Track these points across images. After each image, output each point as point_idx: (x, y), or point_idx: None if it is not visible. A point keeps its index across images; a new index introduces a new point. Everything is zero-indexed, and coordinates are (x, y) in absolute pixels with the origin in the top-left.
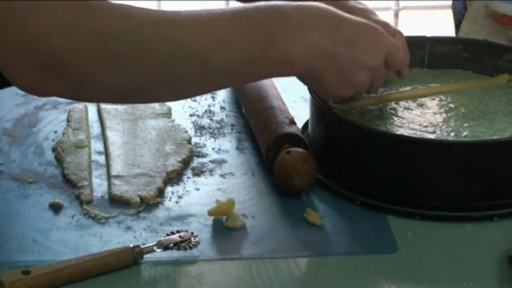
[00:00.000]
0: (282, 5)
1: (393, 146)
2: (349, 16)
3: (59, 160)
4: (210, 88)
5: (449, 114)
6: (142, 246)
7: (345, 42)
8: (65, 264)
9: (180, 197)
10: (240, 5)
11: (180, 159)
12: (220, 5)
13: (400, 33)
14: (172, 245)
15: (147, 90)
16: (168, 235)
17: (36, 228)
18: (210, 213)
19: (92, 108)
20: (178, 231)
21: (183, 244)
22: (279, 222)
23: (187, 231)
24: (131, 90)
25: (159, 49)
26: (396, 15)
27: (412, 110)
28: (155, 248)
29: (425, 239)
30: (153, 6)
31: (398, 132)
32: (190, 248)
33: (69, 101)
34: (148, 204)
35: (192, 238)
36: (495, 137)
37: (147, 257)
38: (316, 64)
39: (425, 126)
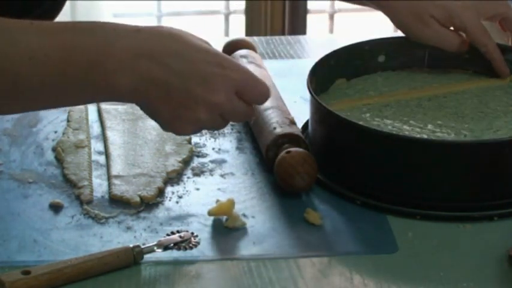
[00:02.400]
0: (114, 26)
1: (393, 146)
2: (194, 44)
3: (59, 160)
4: (29, 106)
5: (449, 114)
6: (142, 246)
7: (181, 74)
8: (65, 264)
9: (180, 197)
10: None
11: (180, 159)
12: (220, 5)
13: (245, 68)
14: (172, 245)
15: None
16: (168, 235)
17: (36, 228)
18: (210, 213)
19: (92, 108)
20: (178, 231)
21: (183, 244)
22: (279, 222)
23: (187, 231)
24: None
25: None
26: None
27: (412, 110)
28: (155, 248)
29: (425, 239)
30: (153, 6)
31: (399, 133)
32: (191, 248)
33: None
34: (148, 204)
35: (192, 238)
36: (495, 137)
37: (147, 257)
38: (147, 95)
39: (426, 126)
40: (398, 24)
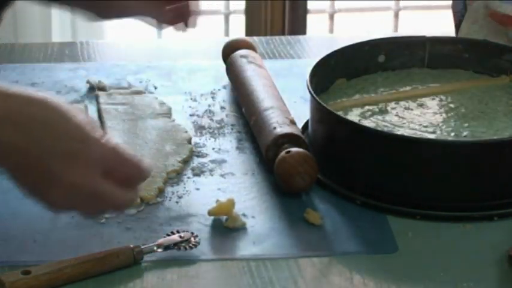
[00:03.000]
0: None
1: (393, 146)
2: (64, 114)
3: None
4: None
5: (449, 114)
6: (142, 246)
7: (42, 145)
8: (65, 264)
9: (180, 197)
10: None
11: (180, 159)
12: (220, 5)
13: (114, 144)
14: (172, 245)
15: None
16: (168, 235)
17: (36, 228)
18: (210, 213)
19: (92, 108)
20: (178, 231)
21: (183, 244)
22: (279, 222)
23: (187, 231)
24: None
25: None
26: (396, 15)
27: (412, 110)
28: (155, 248)
29: (425, 239)
30: None
31: (399, 132)
32: (191, 248)
33: (69, 100)
34: (148, 204)
35: (192, 238)
36: (495, 137)
37: (147, 257)
38: (7, 161)
39: (425, 126)
40: None
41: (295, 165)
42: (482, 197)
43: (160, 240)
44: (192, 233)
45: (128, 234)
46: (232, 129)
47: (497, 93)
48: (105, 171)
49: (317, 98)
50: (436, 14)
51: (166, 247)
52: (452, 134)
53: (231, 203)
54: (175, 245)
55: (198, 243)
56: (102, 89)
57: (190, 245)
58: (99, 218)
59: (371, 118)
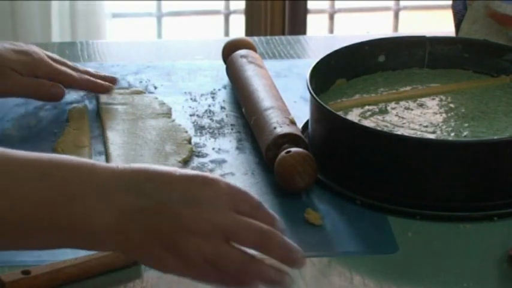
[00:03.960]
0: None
1: (393, 146)
2: (166, 168)
3: None
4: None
5: (449, 114)
6: None
7: (162, 198)
8: (65, 264)
9: None
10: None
11: (180, 159)
12: (220, 5)
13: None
14: None
15: None
16: None
17: None
18: None
19: (92, 108)
20: None
21: None
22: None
23: None
24: None
25: None
26: (396, 15)
27: (412, 110)
28: None
29: (425, 239)
30: (153, 6)
31: (399, 132)
32: None
33: (69, 100)
34: None
35: None
36: (495, 137)
37: None
38: (131, 228)
39: (425, 126)
40: None
41: (295, 165)
42: (482, 197)
43: None
44: None
45: None
46: (232, 129)
47: (497, 93)
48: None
49: (317, 98)
50: (436, 14)
51: None
52: (452, 134)
53: None
54: None
55: None
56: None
57: None
58: None
59: (371, 118)
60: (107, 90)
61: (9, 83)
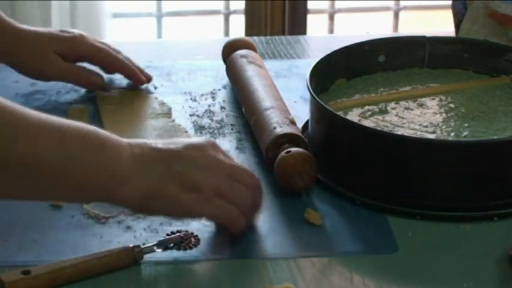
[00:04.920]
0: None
1: (393, 146)
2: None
3: None
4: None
5: (449, 114)
6: (142, 246)
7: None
8: (65, 264)
9: None
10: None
11: None
12: (220, 5)
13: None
14: (172, 245)
15: None
16: (168, 235)
17: (36, 228)
18: None
19: (91, 108)
20: (178, 231)
21: (183, 244)
22: (279, 222)
23: (187, 231)
24: None
25: None
26: (396, 15)
27: (412, 110)
28: (155, 248)
29: (425, 239)
30: (153, 6)
31: (399, 132)
32: (190, 248)
33: (69, 100)
34: None
35: (192, 238)
36: (495, 137)
37: (147, 257)
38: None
39: (425, 126)
40: None
41: (295, 165)
42: (482, 197)
43: (160, 240)
44: (192, 233)
45: (128, 234)
46: (232, 129)
47: (497, 93)
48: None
49: (317, 98)
50: (436, 14)
51: (166, 247)
52: (452, 134)
53: None
54: (175, 244)
55: (198, 243)
56: (102, 89)
57: (190, 245)
58: (99, 218)
59: (371, 118)
60: (142, 83)
61: (50, 69)
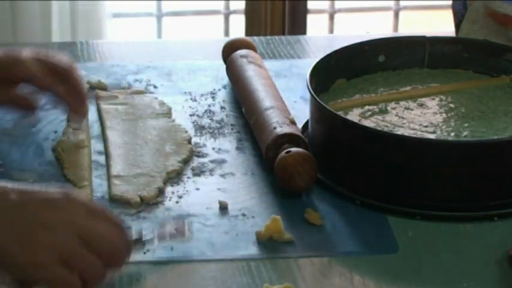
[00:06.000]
0: None
1: (393, 146)
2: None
3: (59, 160)
4: None
5: (449, 114)
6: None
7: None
8: None
9: (180, 197)
10: None
11: (180, 159)
12: (220, 5)
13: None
14: (168, 237)
15: None
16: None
17: None
18: (259, 236)
19: (92, 108)
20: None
21: (177, 234)
22: None
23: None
24: None
25: None
26: (396, 15)
27: (412, 110)
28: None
29: (425, 239)
30: (153, 6)
31: (399, 132)
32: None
33: None
34: (148, 204)
35: (187, 228)
36: (495, 137)
37: (147, 257)
38: None
39: (425, 126)
40: None
41: (295, 165)
42: (482, 197)
43: (156, 232)
44: (184, 222)
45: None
46: (232, 129)
47: (497, 93)
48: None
49: (317, 98)
50: (436, 14)
51: (161, 238)
52: (452, 134)
53: (278, 223)
54: (171, 237)
55: (192, 234)
56: (102, 89)
57: (184, 234)
58: None
59: (371, 118)
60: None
61: None
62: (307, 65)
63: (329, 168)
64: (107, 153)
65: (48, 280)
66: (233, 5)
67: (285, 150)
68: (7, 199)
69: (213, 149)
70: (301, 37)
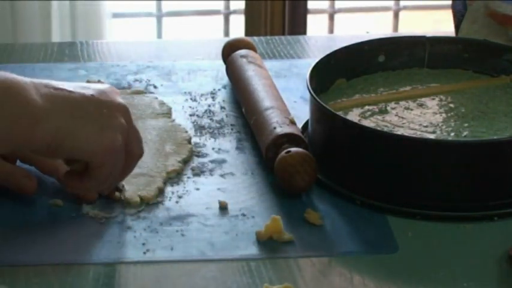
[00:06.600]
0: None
1: (393, 146)
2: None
3: None
4: None
5: (449, 114)
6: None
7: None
8: None
9: (180, 197)
10: None
11: (180, 159)
12: (220, 5)
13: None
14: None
15: None
16: None
17: (36, 228)
18: (259, 236)
19: None
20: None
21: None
22: None
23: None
24: None
25: None
26: (396, 15)
27: (412, 110)
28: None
29: (425, 239)
30: (153, 6)
31: (399, 132)
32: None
33: None
34: (148, 204)
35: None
36: (495, 137)
37: (147, 257)
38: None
39: (425, 126)
40: None
41: (295, 165)
42: (482, 197)
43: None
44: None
45: (128, 234)
46: (232, 129)
47: (497, 93)
48: None
49: (317, 98)
50: (436, 14)
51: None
52: (452, 134)
53: (278, 223)
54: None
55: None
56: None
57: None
58: (99, 218)
59: (371, 118)
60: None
61: None
62: (307, 65)
63: (329, 168)
64: None
65: (112, 164)
66: (233, 5)
67: (285, 150)
68: (70, 91)
69: (213, 149)
70: (301, 37)
